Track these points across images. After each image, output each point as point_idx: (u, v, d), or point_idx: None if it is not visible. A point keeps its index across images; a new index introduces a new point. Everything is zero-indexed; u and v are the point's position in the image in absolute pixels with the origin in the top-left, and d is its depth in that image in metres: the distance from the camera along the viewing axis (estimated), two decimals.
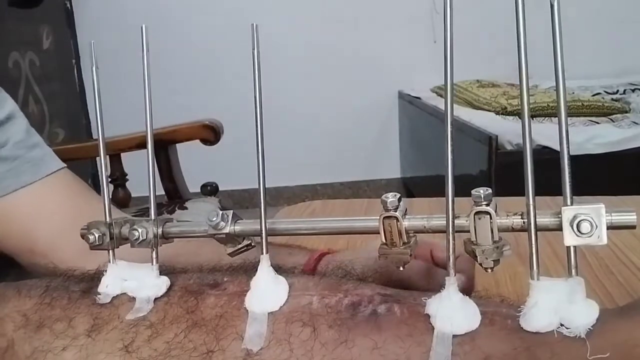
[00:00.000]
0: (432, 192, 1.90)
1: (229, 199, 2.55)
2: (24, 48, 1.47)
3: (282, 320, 0.29)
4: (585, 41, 2.52)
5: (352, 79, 2.77)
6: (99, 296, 0.32)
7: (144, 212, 1.16)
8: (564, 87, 0.26)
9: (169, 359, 0.28)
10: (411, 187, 2.70)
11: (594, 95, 2.20)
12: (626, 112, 1.99)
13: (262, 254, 0.31)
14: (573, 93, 2.12)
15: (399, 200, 0.30)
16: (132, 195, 1.35)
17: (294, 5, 2.70)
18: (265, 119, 0.31)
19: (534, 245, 0.26)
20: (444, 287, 0.27)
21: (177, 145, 1.38)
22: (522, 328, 0.26)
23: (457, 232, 0.28)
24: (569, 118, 0.26)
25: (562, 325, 0.25)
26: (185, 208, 1.27)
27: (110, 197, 0.57)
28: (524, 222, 0.27)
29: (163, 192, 1.37)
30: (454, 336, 0.26)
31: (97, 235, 0.33)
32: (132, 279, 0.32)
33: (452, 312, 0.27)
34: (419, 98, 2.47)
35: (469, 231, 0.28)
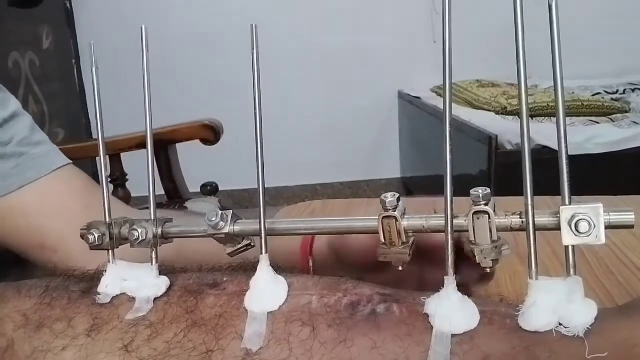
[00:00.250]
0: (432, 192, 1.90)
1: (228, 199, 2.55)
2: (24, 48, 1.47)
3: (281, 319, 0.29)
4: (585, 41, 2.51)
5: (352, 79, 2.77)
6: (98, 296, 0.32)
7: None
8: (562, 87, 0.26)
9: (169, 359, 0.29)
10: (411, 187, 2.70)
11: (593, 95, 2.20)
12: (626, 112, 1.99)
13: (262, 253, 0.31)
14: (573, 93, 2.12)
15: (398, 200, 0.30)
16: (132, 195, 1.35)
17: (293, 5, 2.70)
18: (265, 119, 0.31)
19: (532, 245, 0.26)
20: (443, 287, 0.27)
21: (177, 145, 1.38)
22: (521, 327, 0.26)
23: (456, 231, 0.28)
24: (568, 118, 0.26)
25: (560, 324, 0.25)
26: (185, 208, 1.27)
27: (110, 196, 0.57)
28: (522, 222, 0.27)
29: (163, 192, 1.38)
30: (453, 336, 0.26)
31: (96, 236, 0.33)
32: (132, 279, 0.32)
33: (451, 311, 0.27)
34: (419, 98, 2.47)
35: (467, 231, 0.28)
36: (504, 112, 1.97)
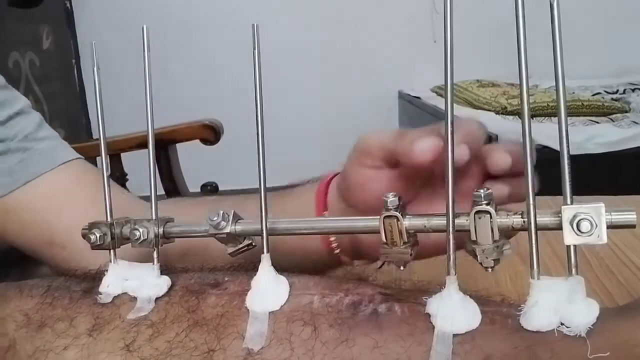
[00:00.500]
0: None
1: None
2: (24, 48, 1.47)
3: (283, 319, 0.29)
4: (585, 41, 2.51)
5: (352, 78, 2.76)
6: (100, 296, 0.32)
7: None
8: (563, 86, 0.26)
9: (170, 358, 0.29)
10: None
11: (593, 95, 2.20)
12: (626, 111, 2.00)
13: (263, 253, 0.31)
14: (573, 93, 2.12)
15: (399, 199, 0.30)
16: None
17: (293, 5, 2.70)
18: (265, 119, 0.31)
19: (534, 245, 0.26)
20: (445, 287, 0.27)
21: (177, 145, 1.38)
22: (522, 327, 0.26)
23: (457, 231, 0.28)
24: (569, 118, 0.26)
25: (562, 324, 0.25)
26: None
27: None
28: (524, 222, 0.27)
29: (163, 192, 1.38)
30: (455, 335, 0.26)
31: (98, 235, 0.33)
32: (133, 279, 0.32)
33: (452, 311, 0.27)
34: (418, 98, 2.47)
35: (469, 230, 0.28)
36: (504, 112, 1.97)
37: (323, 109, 2.79)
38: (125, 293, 0.32)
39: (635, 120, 1.84)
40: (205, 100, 2.63)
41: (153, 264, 0.33)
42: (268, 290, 0.30)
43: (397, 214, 0.29)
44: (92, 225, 0.34)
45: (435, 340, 0.26)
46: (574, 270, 0.26)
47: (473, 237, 0.28)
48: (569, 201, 0.26)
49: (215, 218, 0.32)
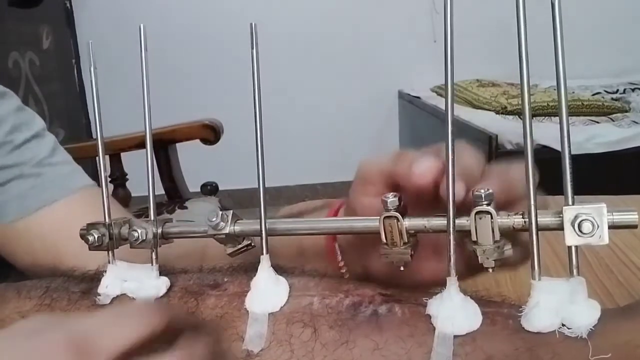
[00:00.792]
0: None
1: (228, 198, 2.55)
2: (24, 48, 1.46)
3: (282, 321, 0.29)
4: (585, 41, 2.51)
5: (352, 78, 2.76)
6: (98, 297, 0.32)
7: (144, 212, 1.16)
8: (565, 86, 0.25)
9: None
10: None
11: (593, 95, 2.20)
12: (626, 111, 1.99)
13: (262, 254, 0.31)
14: (573, 92, 2.12)
15: (400, 200, 0.30)
16: (132, 195, 1.35)
17: (293, 5, 2.69)
18: (264, 119, 0.31)
19: (535, 245, 0.26)
20: (445, 288, 0.27)
21: (177, 145, 1.38)
22: (523, 328, 0.26)
23: (457, 231, 0.28)
24: (569, 117, 0.26)
25: (563, 325, 0.25)
26: (185, 208, 1.26)
27: (110, 197, 0.56)
28: (525, 222, 0.27)
29: (163, 192, 1.37)
30: (455, 337, 0.26)
31: (96, 236, 0.33)
32: (132, 280, 0.32)
33: (453, 312, 0.26)
34: (418, 97, 2.47)
35: (469, 231, 0.28)
36: (504, 111, 1.97)
37: (323, 108, 2.79)
38: (124, 294, 0.32)
39: (635, 120, 1.84)
40: (205, 100, 2.63)
41: (152, 265, 0.33)
42: (268, 291, 0.30)
43: (397, 214, 0.29)
44: (90, 226, 0.34)
45: (435, 341, 0.26)
46: (575, 271, 0.26)
47: (474, 238, 0.28)
48: (570, 201, 0.26)
49: (214, 219, 0.31)
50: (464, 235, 0.28)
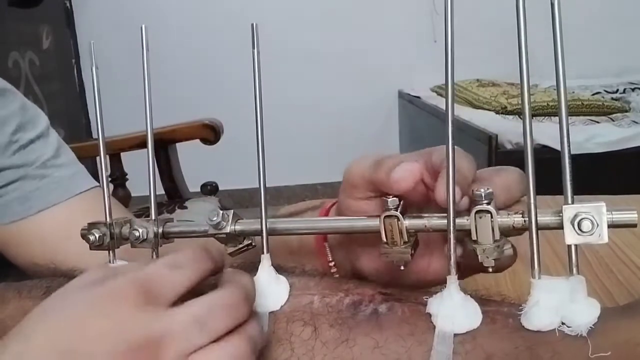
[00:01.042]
0: None
1: (228, 198, 2.55)
2: (24, 48, 1.46)
3: (283, 319, 0.29)
4: (585, 40, 2.51)
5: (352, 78, 2.76)
6: None
7: (144, 212, 1.16)
8: (564, 86, 0.25)
9: None
10: None
11: (593, 95, 2.20)
12: (626, 111, 1.99)
13: (263, 253, 0.31)
14: (573, 92, 2.12)
15: (400, 199, 0.30)
16: (132, 194, 1.35)
17: (293, 5, 2.69)
18: (265, 118, 0.31)
19: (535, 244, 0.26)
20: (445, 287, 0.27)
21: (177, 144, 1.38)
22: (523, 327, 0.26)
23: (458, 231, 0.28)
24: (569, 117, 0.26)
25: (563, 324, 0.25)
26: (185, 207, 1.26)
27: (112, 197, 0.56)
28: (525, 221, 0.27)
29: (163, 192, 1.37)
30: (456, 335, 0.26)
31: (97, 236, 0.33)
32: None
33: (453, 311, 0.26)
34: (418, 97, 2.47)
35: (469, 230, 0.28)
36: (504, 111, 1.97)
37: (323, 108, 2.79)
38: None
39: (635, 120, 1.84)
40: (205, 100, 2.63)
41: None
42: (268, 290, 0.30)
43: (398, 213, 0.29)
44: (91, 226, 0.34)
45: (436, 339, 0.26)
46: (574, 269, 0.26)
47: (474, 237, 0.28)
48: (569, 200, 0.26)
49: (215, 218, 0.32)
50: (463, 234, 0.28)
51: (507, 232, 0.28)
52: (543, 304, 0.26)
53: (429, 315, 0.27)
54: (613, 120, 1.86)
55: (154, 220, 0.33)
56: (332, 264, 0.40)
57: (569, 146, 0.25)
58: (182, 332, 0.25)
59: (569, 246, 0.26)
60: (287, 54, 2.63)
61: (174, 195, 1.37)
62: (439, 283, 0.30)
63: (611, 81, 2.42)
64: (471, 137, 1.71)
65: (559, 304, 0.25)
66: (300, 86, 2.74)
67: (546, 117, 1.87)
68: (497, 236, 0.27)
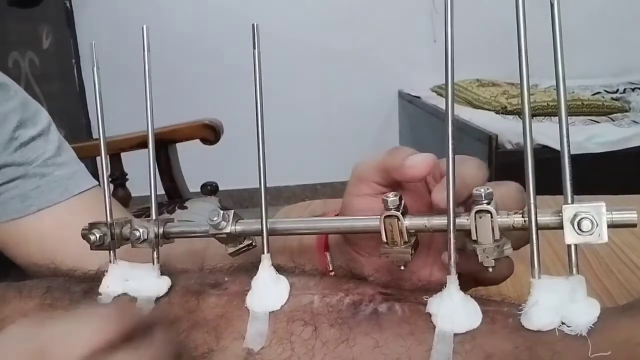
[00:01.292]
0: None
1: (228, 198, 2.55)
2: (24, 48, 1.47)
3: (283, 319, 0.29)
4: (585, 40, 2.51)
5: (352, 78, 2.76)
6: (100, 296, 0.32)
7: (144, 212, 1.16)
8: (564, 86, 0.26)
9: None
10: None
11: (593, 95, 2.20)
12: (626, 111, 2.00)
13: (263, 253, 0.31)
14: (573, 92, 2.12)
15: (400, 199, 0.30)
16: (132, 195, 1.35)
17: (293, 5, 2.70)
18: (265, 119, 0.31)
19: (535, 244, 0.26)
20: (445, 286, 0.27)
21: (177, 144, 1.38)
22: (523, 327, 0.26)
23: (458, 230, 0.28)
24: (569, 117, 0.26)
25: (563, 323, 0.25)
26: (185, 207, 1.27)
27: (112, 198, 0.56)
28: (525, 221, 0.27)
29: (163, 192, 1.37)
30: (455, 335, 0.26)
31: (98, 236, 0.33)
32: (134, 279, 0.32)
33: (453, 310, 0.27)
34: (418, 97, 2.47)
35: (470, 230, 0.28)
36: (504, 111, 1.97)
37: (323, 109, 2.79)
38: (125, 293, 0.32)
39: (635, 120, 1.84)
40: (205, 100, 2.63)
41: (153, 264, 0.33)
42: (268, 290, 0.30)
43: (398, 213, 0.29)
44: (92, 226, 0.34)
45: (436, 339, 0.26)
46: (574, 269, 0.26)
47: (474, 237, 0.28)
48: (569, 200, 0.26)
49: (215, 218, 0.32)
50: (465, 238, 0.28)
51: (507, 232, 0.28)
52: (543, 304, 0.26)
53: (429, 315, 0.27)
54: (613, 120, 1.86)
55: (155, 220, 0.33)
56: (332, 273, 0.40)
57: (568, 146, 0.25)
58: None
59: (569, 246, 0.26)
60: (286, 54, 2.63)
61: (174, 195, 1.37)
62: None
63: (611, 81, 2.42)
64: (471, 137, 1.71)
65: (558, 303, 0.25)
66: (300, 86, 2.74)
67: (546, 117, 1.87)
68: (497, 236, 0.27)
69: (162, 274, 0.33)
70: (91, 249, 0.34)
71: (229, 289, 0.31)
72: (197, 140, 1.36)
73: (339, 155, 2.86)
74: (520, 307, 0.27)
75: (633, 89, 2.31)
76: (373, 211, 0.33)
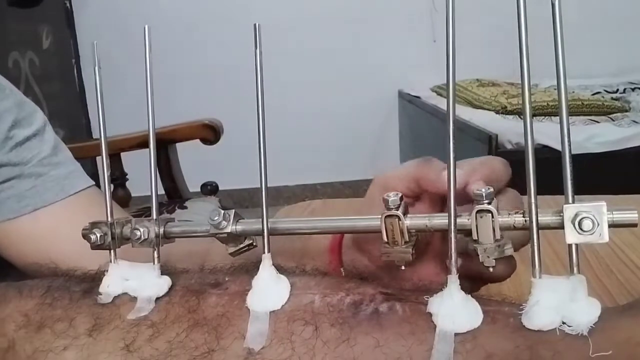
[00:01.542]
0: None
1: (228, 198, 2.55)
2: (24, 48, 1.47)
3: (283, 319, 0.29)
4: (585, 40, 2.52)
5: (352, 78, 2.77)
6: (100, 296, 0.32)
7: (144, 212, 1.16)
8: (565, 85, 0.26)
9: (171, 359, 0.28)
10: None
11: (593, 94, 2.20)
12: (626, 111, 2.00)
13: (264, 252, 0.31)
14: (573, 92, 2.12)
15: (401, 199, 0.30)
16: (132, 195, 1.35)
17: (293, 5, 2.70)
18: (265, 119, 0.31)
19: (535, 244, 0.26)
20: (446, 286, 0.27)
21: (177, 144, 1.38)
22: (524, 326, 0.26)
23: (459, 230, 0.28)
24: (569, 117, 0.26)
25: (564, 323, 0.25)
26: (185, 207, 1.27)
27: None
28: (525, 221, 0.27)
29: (163, 192, 1.38)
30: (456, 334, 0.26)
31: (98, 235, 0.33)
32: (134, 279, 0.32)
33: (454, 310, 0.27)
34: (418, 97, 2.47)
35: (470, 230, 0.28)
36: (504, 111, 1.98)
37: (323, 108, 2.79)
38: (126, 293, 0.32)
39: (635, 120, 1.84)
40: (205, 100, 2.63)
41: (153, 264, 0.33)
42: (269, 289, 0.30)
43: (399, 213, 0.29)
44: (93, 225, 0.34)
45: (436, 339, 0.26)
46: (575, 269, 0.26)
47: (475, 236, 0.28)
48: (570, 200, 0.26)
49: (216, 218, 0.32)
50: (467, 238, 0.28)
51: (508, 231, 0.28)
52: (544, 303, 0.26)
53: (430, 314, 0.27)
54: (613, 120, 1.86)
55: (155, 220, 0.33)
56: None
57: (569, 145, 0.25)
58: None
59: (570, 245, 0.26)
60: (287, 54, 2.64)
61: (174, 195, 1.37)
62: None
63: (611, 81, 2.43)
64: (471, 137, 1.71)
65: (559, 303, 0.25)
66: (300, 86, 2.74)
67: (546, 117, 1.87)
68: (498, 236, 0.27)
69: (163, 273, 0.33)
70: (92, 248, 0.34)
71: (229, 289, 0.31)
72: (197, 140, 1.36)
73: (339, 155, 2.86)
74: (521, 307, 0.27)
75: (633, 89, 2.31)
76: None
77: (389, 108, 2.80)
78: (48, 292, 0.33)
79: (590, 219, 0.25)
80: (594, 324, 0.25)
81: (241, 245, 0.33)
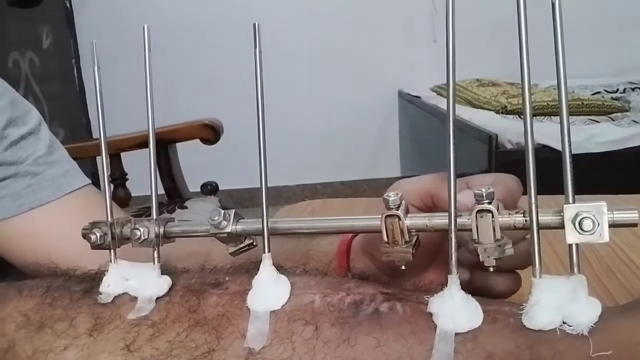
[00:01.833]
0: None
1: (228, 198, 2.55)
2: (24, 48, 1.47)
3: (284, 318, 0.29)
4: (585, 40, 2.52)
5: (352, 78, 2.77)
6: (100, 296, 0.32)
7: (144, 212, 1.16)
8: (565, 85, 0.25)
9: (171, 358, 0.28)
10: None
11: (593, 94, 2.20)
12: (626, 110, 2.00)
13: (264, 252, 0.31)
14: (573, 92, 2.12)
15: (401, 198, 0.30)
16: (132, 194, 1.35)
17: (293, 5, 2.70)
18: (265, 118, 0.31)
19: (536, 244, 0.26)
20: (447, 286, 0.27)
21: (177, 144, 1.38)
22: (524, 326, 0.26)
23: (459, 230, 0.28)
24: (569, 116, 0.26)
25: (564, 323, 0.25)
26: (185, 207, 1.27)
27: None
28: (526, 221, 0.27)
29: (163, 192, 1.38)
30: (457, 334, 0.26)
31: (98, 235, 0.33)
32: (134, 279, 0.32)
33: (454, 310, 0.27)
34: (418, 97, 2.47)
35: (471, 229, 0.28)
36: (504, 111, 1.98)
37: (323, 108, 2.79)
38: (126, 293, 0.32)
39: (635, 120, 1.84)
40: (205, 100, 2.63)
41: (154, 263, 0.33)
42: (269, 289, 0.30)
43: (399, 212, 0.29)
44: (93, 225, 0.34)
45: (437, 339, 0.26)
46: (575, 268, 0.26)
47: (475, 236, 0.28)
48: (570, 200, 0.26)
49: (216, 218, 0.32)
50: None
51: (509, 231, 0.28)
52: (544, 303, 0.26)
53: (430, 314, 0.27)
54: (613, 120, 1.86)
55: (155, 220, 0.33)
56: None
57: (569, 145, 0.25)
58: None
59: (570, 245, 0.26)
60: (286, 53, 2.64)
61: (174, 195, 1.37)
62: None
63: (611, 81, 2.43)
64: (471, 137, 1.71)
65: (560, 303, 0.25)
66: (299, 86, 2.74)
67: (546, 117, 1.87)
68: (498, 235, 0.27)
69: (163, 273, 0.33)
70: (92, 248, 0.34)
71: (229, 289, 0.31)
72: (197, 140, 1.36)
73: (339, 155, 2.86)
74: (521, 307, 0.27)
75: (633, 89, 2.31)
76: None
77: (389, 108, 2.80)
78: (48, 291, 0.33)
79: (591, 219, 0.25)
80: (594, 324, 0.25)
81: (241, 245, 0.33)
